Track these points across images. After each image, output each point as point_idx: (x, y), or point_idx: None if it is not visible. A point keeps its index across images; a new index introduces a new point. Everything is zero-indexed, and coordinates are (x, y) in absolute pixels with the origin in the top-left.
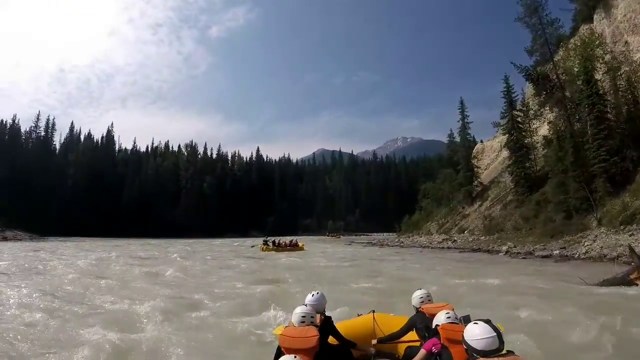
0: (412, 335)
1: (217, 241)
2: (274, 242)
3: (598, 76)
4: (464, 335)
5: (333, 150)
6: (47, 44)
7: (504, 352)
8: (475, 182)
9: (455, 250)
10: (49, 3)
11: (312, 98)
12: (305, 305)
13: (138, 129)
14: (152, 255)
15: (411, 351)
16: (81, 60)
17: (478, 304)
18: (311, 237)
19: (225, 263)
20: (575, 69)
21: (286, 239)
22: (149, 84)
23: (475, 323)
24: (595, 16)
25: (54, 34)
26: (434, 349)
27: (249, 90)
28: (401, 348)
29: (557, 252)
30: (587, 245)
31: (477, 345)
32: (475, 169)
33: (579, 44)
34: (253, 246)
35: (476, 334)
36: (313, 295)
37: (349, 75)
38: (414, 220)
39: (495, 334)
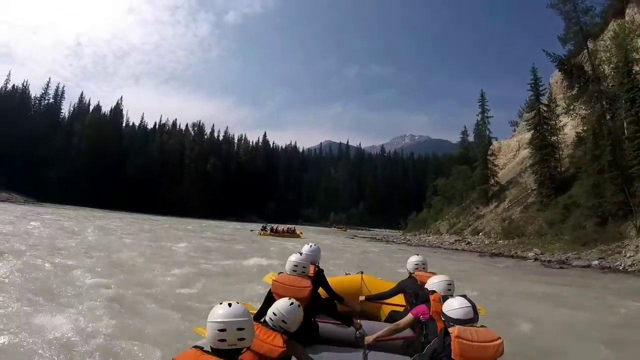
0: (399, 299)
1: (217, 223)
2: (271, 229)
3: (637, 68)
4: (442, 308)
5: (340, 142)
6: (68, 14)
7: (478, 325)
8: (492, 181)
9: (472, 254)
10: None
11: (323, 88)
12: (301, 254)
13: (149, 108)
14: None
15: (395, 315)
16: (99, 35)
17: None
18: (314, 227)
19: (225, 244)
20: (614, 60)
21: (284, 226)
22: (163, 64)
23: (452, 297)
24: (627, 10)
25: (76, 5)
26: (421, 317)
27: (260, 76)
28: (385, 310)
29: (596, 262)
30: (631, 256)
31: (453, 314)
32: (493, 167)
33: (617, 32)
34: (252, 230)
35: (454, 305)
36: (310, 246)
37: (362, 68)
38: (421, 218)
39: (470, 305)
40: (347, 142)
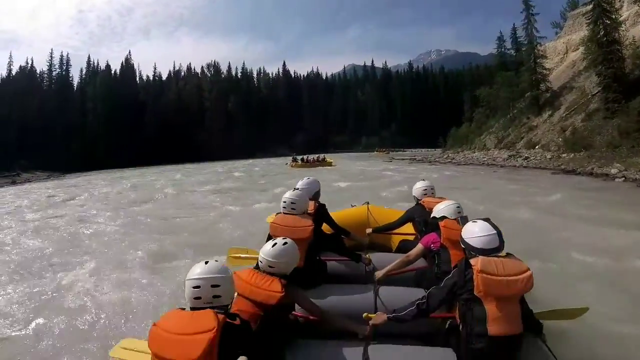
0: (408, 228)
1: (249, 161)
2: (302, 159)
3: None
4: (462, 234)
5: (365, 64)
6: None
7: (503, 253)
8: (543, 86)
9: (538, 171)
10: None
11: (339, 12)
12: (297, 189)
13: (163, 59)
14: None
15: (406, 245)
16: None
17: None
18: (346, 154)
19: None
20: None
21: (314, 156)
22: (170, 12)
23: (474, 221)
24: None
25: None
26: (432, 246)
27: (273, 9)
28: (395, 240)
29: None
30: None
31: (475, 243)
32: (543, 70)
33: None
34: (287, 164)
35: (475, 231)
36: (306, 179)
37: None
38: (462, 134)
39: (495, 232)
40: (372, 62)
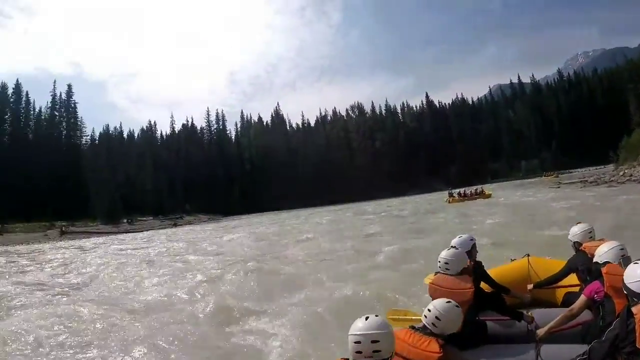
0: (572, 279)
1: (399, 199)
2: (459, 193)
3: None
4: (624, 279)
5: (511, 82)
6: (216, 53)
7: None
8: None
9: None
10: (208, 20)
11: (471, 30)
12: (455, 247)
13: (310, 106)
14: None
15: (570, 297)
16: (248, 59)
17: None
18: (506, 182)
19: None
20: None
21: (471, 188)
22: (311, 63)
23: (636, 263)
24: None
25: (220, 43)
26: (596, 296)
27: (406, 41)
28: (559, 294)
29: None
30: None
31: (637, 288)
32: None
33: None
34: (445, 200)
35: (637, 274)
36: (460, 237)
37: None
38: (636, 142)
39: None
40: (519, 77)
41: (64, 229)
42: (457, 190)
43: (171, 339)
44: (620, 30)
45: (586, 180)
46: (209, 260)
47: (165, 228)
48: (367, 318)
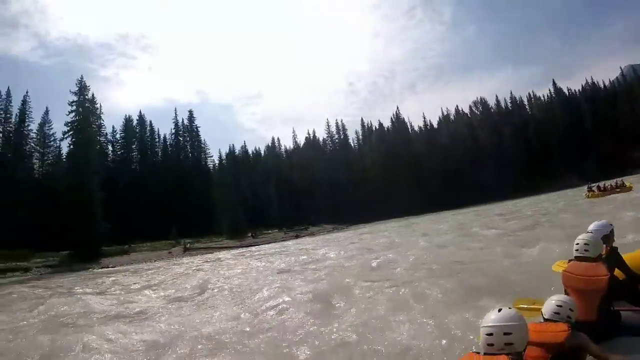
0: None
1: (533, 198)
2: (598, 187)
3: None
4: None
5: None
6: (330, 66)
7: None
8: None
9: None
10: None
11: (590, 8)
12: (590, 232)
13: (432, 107)
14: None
15: None
16: (363, 69)
17: None
18: None
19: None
20: None
21: (611, 182)
22: (428, 64)
23: None
24: None
25: (333, 55)
26: None
27: (523, 27)
28: None
29: None
30: None
31: None
32: None
33: None
34: (583, 195)
35: None
36: (599, 221)
37: None
38: None
39: None
40: None
41: (188, 245)
42: (597, 184)
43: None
44: None
45: None
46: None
47: (287, 240)
48: (500, 310)
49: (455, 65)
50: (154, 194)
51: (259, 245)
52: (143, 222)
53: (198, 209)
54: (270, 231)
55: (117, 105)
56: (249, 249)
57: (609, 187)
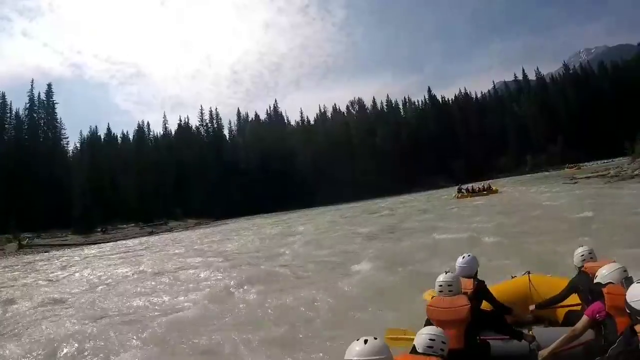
0: (573, 298)
1: (405, 197)
2: (467, 189)
3: None
4: (627, 298)
5: (515, 78)
6: (217, 52)
7: None
8: None
9: None
10: (208, 18)
11: (477, 28)
12: (446, 272)
13: (315, 106)
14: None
15: (572, 316)
16: (249, 59)
17: None
18: (514, 177)
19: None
20: None
21: (479, 184)
22: (315, 61)
23: (639, 282)
24: None
25: (221, 41)
26: (598, 316)
27: (410, 39)
28: (560, 313)
29: None
30: None
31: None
32: None
33: None
34: (453, 195)
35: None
36: (463, 257)
37: None
38: None
39: None
40: (523, 71)
41: (26, 241)
42: (466, 186)
43: None
44: (623, 27)
45: (606, 174)
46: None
47: (140, 237)
48: (365, 341)
49: (341, 66)
50: None
51: (105, 243)
52: None
53: (48, 198)
54: (125, 225)
55: None
56: (85, 248)
57: (477, 189)
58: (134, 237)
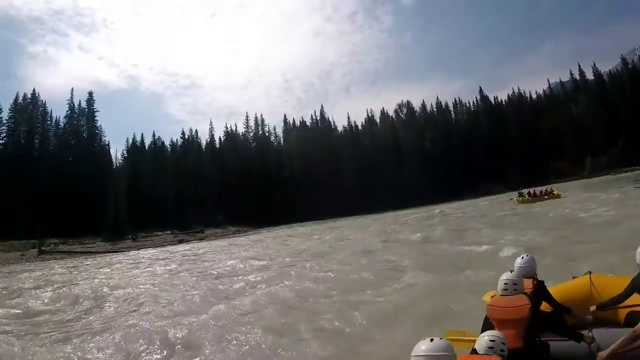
0: (635, 298)
1: (456, 204)
2: (529, 193)
3: None
4: None
5: (572, 77)
6: (267, 61)
7: None
8: None
9: None
10: (259, 28)
11: (527, 28)
12: (510, 271)
13: (364, 113)
14: None
15: (633, 317)
16: (300, 67)
17: None
18: (573, 182)
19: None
20: None
21: (541, 188)
22: (364, 68)
23: None
24: None
25: (270, 50)
26: None
27: (461, 42)
28: (622, 313)
29: None
30: None
31: None
32: None
33: None
34: (512, 199)
35: None
36: (522, 258)
37: None
38: None
39: None
40: (579, 68)
41: (50, 247)
42: (527, 190)
43: None
44: None
45: None
46: None
47: (161, 246)
48: (431, 340)
49: (391, 71)
50: (27, 183)
51: (133, 250)
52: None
53: (84, 205)
54: (161, 233)
55: (41, 84)
56: (108, 256)
57: (539, 193)
58: (163, 246)
